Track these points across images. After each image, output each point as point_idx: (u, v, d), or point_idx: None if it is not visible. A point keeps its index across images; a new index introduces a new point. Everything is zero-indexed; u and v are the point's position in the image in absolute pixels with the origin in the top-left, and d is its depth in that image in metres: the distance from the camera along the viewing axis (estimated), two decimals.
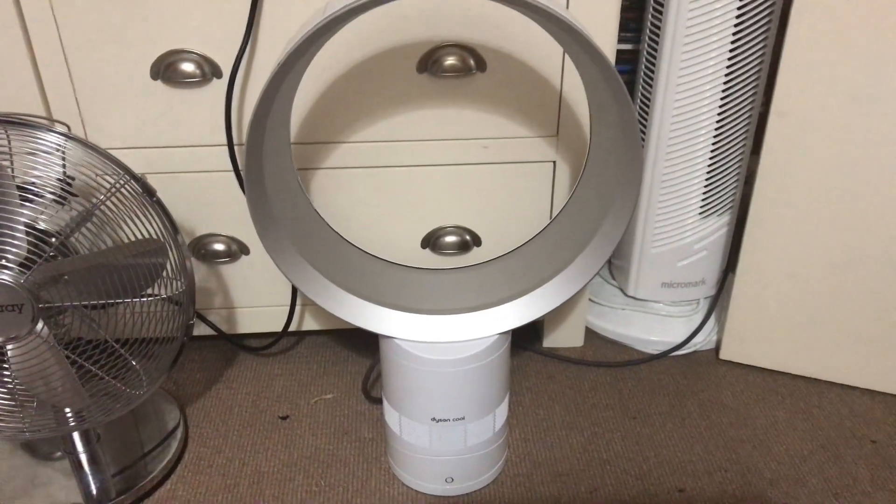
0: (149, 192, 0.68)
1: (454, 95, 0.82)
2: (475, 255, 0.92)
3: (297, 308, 0.95)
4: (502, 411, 0.78)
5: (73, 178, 0.69)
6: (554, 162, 0.86)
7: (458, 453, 0.76)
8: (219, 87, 0.80)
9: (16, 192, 0.67)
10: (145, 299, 0.70)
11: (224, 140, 0.83)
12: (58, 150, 0.67)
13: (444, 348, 0.71)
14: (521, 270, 0.76)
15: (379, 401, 0.92)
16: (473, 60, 0.80)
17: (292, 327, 0.96)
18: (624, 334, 1.01)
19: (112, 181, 0.67)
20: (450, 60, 0.80)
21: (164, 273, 0.72)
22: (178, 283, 0.72)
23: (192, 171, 0.85)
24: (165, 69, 0.79)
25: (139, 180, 0.67)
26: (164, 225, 0.69)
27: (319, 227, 0.78)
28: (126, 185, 0.67)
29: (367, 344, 1.01)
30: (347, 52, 0.79)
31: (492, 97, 0.82)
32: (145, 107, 0.81)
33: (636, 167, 0.65)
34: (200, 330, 0.95)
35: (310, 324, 0.97)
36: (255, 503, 0.78)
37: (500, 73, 0.81)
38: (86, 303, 0.68)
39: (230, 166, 0.84)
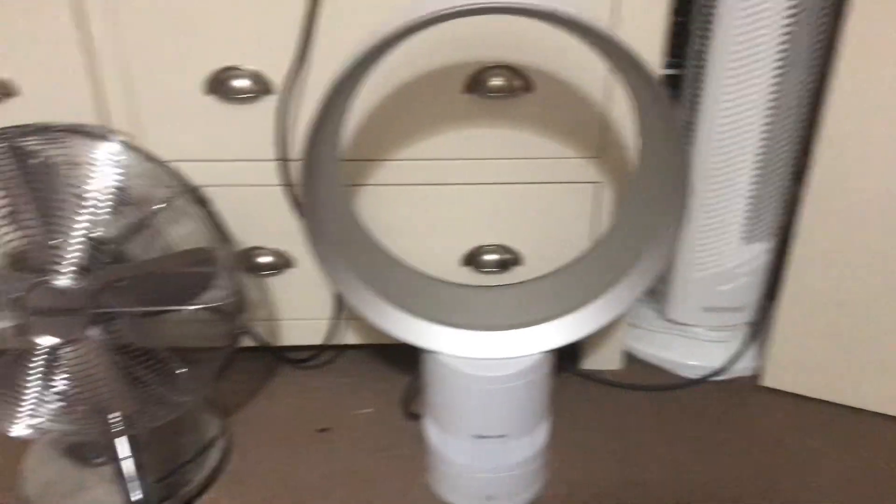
0: (202, 202, 0.70)
1: (500, 115, 0.83)
2: (515, 275, 0.92)
3: (338, 322, 0.96)
4: (544, 430, 0.77)
5: (126, 189, 0.71)
6: (597, 183, 0.87)
7: (499, 471, 0.76)
8: (270, 103, 0.82)
9: (76, 200, 0.69)
10: (195, 307, 0.71)
11: (271, 155, 0.85)
12: (117, 160, 0.69)
13: (489, 364, 0.71)
14: (566, 289, 0.76)
15: (417, 417, 0.92)
16: (520, 81, 0.81)
17: (332, 340, 0.97)
18: (663, 358, 1.00)
19: (167, 191, 0.69)
20: (496, 81, 0.81)
21: (214, 283, 0.74)
22: (227, 293, 0.74)
23: (241, 185, 0.87)
24: (219, 85, 0.81)
25: (194, 191, 0.69)
26: (215, 236, 0.71)
27: (366, 241, 0.79)
28: (181, 196, 0.69)
29: (404, 359, 1.02)
30: (395, 71, 0.81)
31: (537, 117, 0.83)
32: (198, 121, 0.83)
33: (684, 194, 0.65)
34: (243, 341, 0.97)
35: (349, 337, 0.98)
36: None
37: (546, 94, 0.82)
38: (138, 309, 0.69)
39: (278, 181, 0.85)
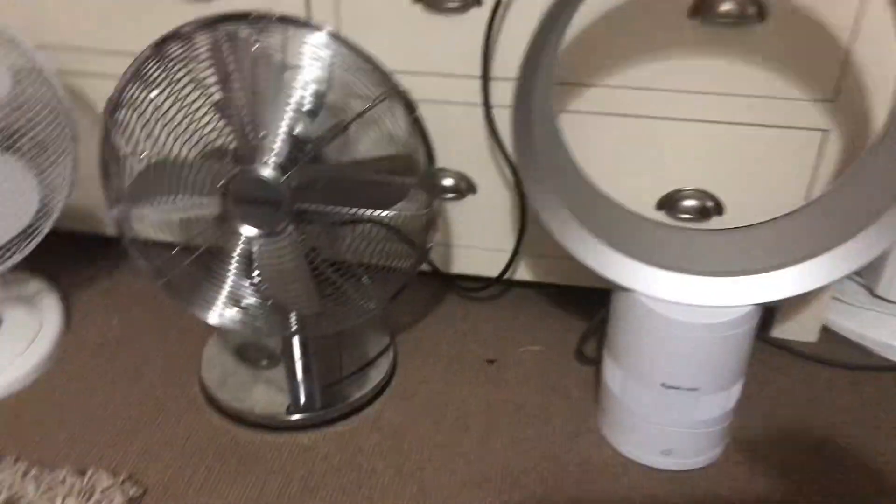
0: (410, 108, 0.67)
1: (725, 45, 0.75)
2: (713, 225, 0.85)
3: (517, 256, 0.93)
4: (737, 389, 0.71)
5: (333, 85, 0.70)
6: (825, 131, 0.78)
7: (683, 425, 0.71)
8: (477, 16, 0.78)
9: (285, 92, 0.68)
10: (393, 212, 0.70)
11: (473, 72, 0.81)
12: (326, 53, 0.67)
13: (693, 312, 0.65)
14: (790, 239, 0.69)
15: (592, 362, 0.88)
16: (753, 7, 0.73)
17: (507, 275, 0.94)
18: (867, 336, 0.91)
19: (375, 91, 0.67)
20: (726, 6, 0.73)
21: (410, 196, 0.72)
22: (424, 207, 0.72)
23: (434, 101, 0.84)
24: None
25: (402, 95, 0.67)
26: (420, 146, 0.68)
27: (572, 170, 0.74)
28: (389, 98, 0.67)
29: (575, 303, 0.97)
30: None
31: (767, 50, 0.75)
32: (402, 29, 0.81)
33: None
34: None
35: (522, 274, 0.95)
36: (459, 437, 0.77)
37: (780, 25, 0.73)
38: (340, 208, 0.69)
39: (477, 99, 0.82)
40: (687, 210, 0.84)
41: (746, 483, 0.73)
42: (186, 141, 0.69)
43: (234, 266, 0.72)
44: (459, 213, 0.92)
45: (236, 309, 0.76)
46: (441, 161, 0.88)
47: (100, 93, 0.93)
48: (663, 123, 0.80)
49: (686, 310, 0.66)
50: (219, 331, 0.91)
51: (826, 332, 0.93)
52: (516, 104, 0.64)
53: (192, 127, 0.70)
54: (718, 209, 0.84)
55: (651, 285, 0.67)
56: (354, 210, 0.68)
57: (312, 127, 0.71)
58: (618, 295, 0.70)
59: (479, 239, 0.93)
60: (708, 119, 0.79)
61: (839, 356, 0.89)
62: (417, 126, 0.68)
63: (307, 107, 0.71)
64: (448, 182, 0.89)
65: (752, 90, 0.77)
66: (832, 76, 0.75)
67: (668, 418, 0.71)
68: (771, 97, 0.77)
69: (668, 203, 0.85)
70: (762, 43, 0.75)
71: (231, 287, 0.74)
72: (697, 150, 0.81)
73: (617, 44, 0.77)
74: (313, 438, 0.78)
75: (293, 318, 0.79)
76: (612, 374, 0.74)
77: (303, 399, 0.82)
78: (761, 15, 0.73)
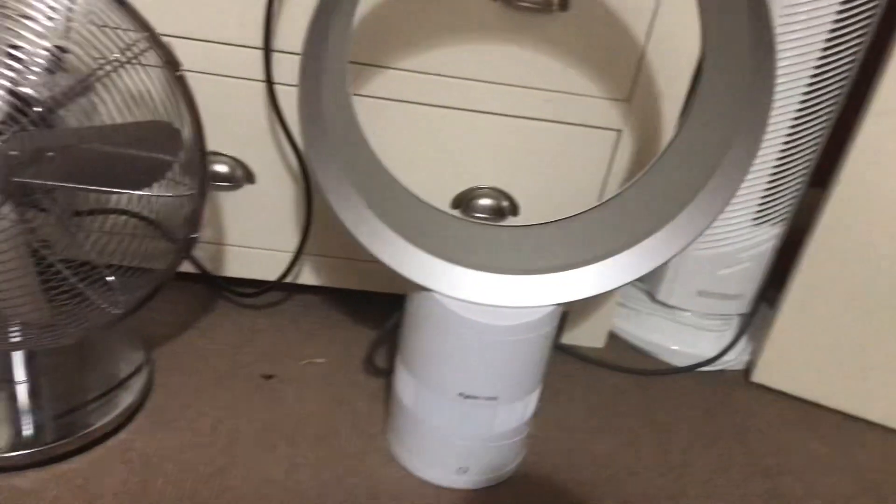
0: (173, 64, 0.55)
1: (526, 32, 0.72)
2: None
3: (299, 257, 0.83)
4: (535, 398, 0.67)
5: (73, 35, 0.56)
6: (619, 131, 0.77)
7: (481, 439, 0.65)
8: None
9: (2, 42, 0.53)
10: (144, 194, 0.57)
11: (253, 42, 0.71)
12: None
13: (494, 313, 0.60)
14: (588, 239, 0.65)
15: (381, 373, 0.80)
16: None
17: (287, 279, 0.84)
18: (648, 341, 0.92)
19: (127, 42, 0.54)
20: None
21: (170, 175, 0.59)
22: (188, 190, 0.59)
23: (204, 73, 0.72)
24: None
25: (163, 46, 0.55)
26: (185, 111, 0.56)
27: (369, 160, 0.66)
28: (143, 53, 0.55)
29: (365, 312, 0.89)
30: None
31: (567, 43, 0.72)
32: None
33: (767, 85, 0.54)
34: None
35: (307, 278, 0.85)
36: (227, 467, 0.65)
37: (581, 16, 0.71)
38: (66, 185, 0.54)
39: (259, 74, 0.71)
40: (482, 209, 0.80)
41: (544, 498, 0.68)
42: None
43: None
44: (234, 206, 0.80)
45: None
46: (214, 144, 0.76)
47: None
48: (460, 114, 0.75)
49: (486, 311, 0.60)
50: None
51: (611, 336, 0.93)
52: (303, 81, 0.54)
53: None
54: (514, 209, 0.80)
55: (450, 284, 0.61)
56: (94, 189, 0.54)
57: (48, 84, 0.56)
58: (413, 296, 0.63)
59: (257, 237, 0.82)
60: (505, 112, 0.75)
61: (624, 361, 0.89)
62: (181, 87, 0.55)
63: (40, 61, 0.56)
64: (222, 169, 0.77)
65: (550, 84, 0.74)
66: (628, 75, 0.74)
67: (466, 431, 0.64)
68: (569, 93, 0.75)
69: (464, 202, 0.80)
70: (563, 34, 0.72)
71: None
72: (493, 145, 0.77)
73: (416, 22, 0.71)
74: (37, 480, 0.62)
75: (14, 328, 0.63)
76: (405, 384, 0.66)
77: (29, 431, 0.66)
78: (563, 3, 0.70)
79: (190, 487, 0.63)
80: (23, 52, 0.56)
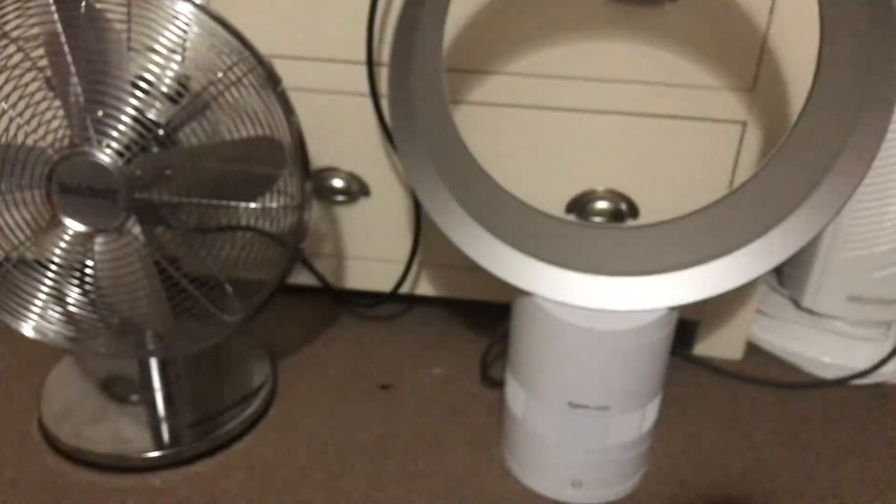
0: (274, 80, 0.57)
1: (635, 26, 0.68)
2: None
3: (413, 267, 0.83)
4: (653, 409, 0.63)
5: (190, 63, 0.60)
6: (744, 123, 0.71)
7: (593, 452, 0.61)
8: None
9: (129, 71, 0.58)
10: (254, 205, 0.59)
11: (359, 57, 0.72)
12: (181, 22, 0.57)
13: (601, 317, 0.57)
14: (706, 236, 0.61)
15: (497, 384, 0.78)
16: None
17: (404, 289, 0.84)
18: (793, 352, 0.84)
19: (232, 63, 0.57)
20: None
21: (277, 187, 0.62)
22: (291, 195, 0.61)
23: (317, 91, 0.74)
24: None
25: (265, 65, 0.57)
26: (285, 122, 0.58)
27: (469, 165, 0.65)
28: (249, 73, 0.57)
29: (484, 320, 0.88)
30: None
31: (680, 34, 0.68)
32: (280, 6, 0.71)
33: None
34: (301, 279, 0.85)
35: (424, 289, 0.85)
36: (343, 475, 0.66)
37: (694, 3, 0.67)
38: (185, 200, 0.58)
39: (363, 89, 0.73)
40: (599, 213, 0.77)
41: None
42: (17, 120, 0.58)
43: (58, 269, 0.60)
44: (352, 220, 0.82)
45: (61, 321, 0.63)
46: (329, 160, 0.79)
47: None
48: (571, 115, 0.73)
49: (593, 315, 0.57)
50: (71, 359, 0.78)
51: (751, 348, 0.86)
52: (392, 91, 0.55)
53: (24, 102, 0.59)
54: (633, 212, 0.77)
55: (554, 288, 0.59)
56: (208, 202, 0.58)
57: (167, 108, 0.61)
58: (518, 301, 0.61)
59: (374, 249, 0.83)
60: (619, 111, 0.72)
61: (764, 373, 0.82)
62: (282, 102, 0.58)
63: (163, 89, 0.61)
64: (338, 183, 0.80)
65: (665, 78, 0.70)
66: (750, 63, 0.69)
67: (577, 443, 0.61)
68: (686, 86, 0.70)
69: (579, 206, 0.77)
70: (675, 25, 0.68)
71: (52, 293, 0.62)
72: (608, 145, 0.74)
73: (518, 25, 0.69)
74: (168, 480, 0.66)
75: (146, 337, 0.67)
76: (515, 394, 0.64)
77: (166, 435, 0.70)
78: None
79: (305, 493, 0.65)
80: (147, 83, 0.60)
